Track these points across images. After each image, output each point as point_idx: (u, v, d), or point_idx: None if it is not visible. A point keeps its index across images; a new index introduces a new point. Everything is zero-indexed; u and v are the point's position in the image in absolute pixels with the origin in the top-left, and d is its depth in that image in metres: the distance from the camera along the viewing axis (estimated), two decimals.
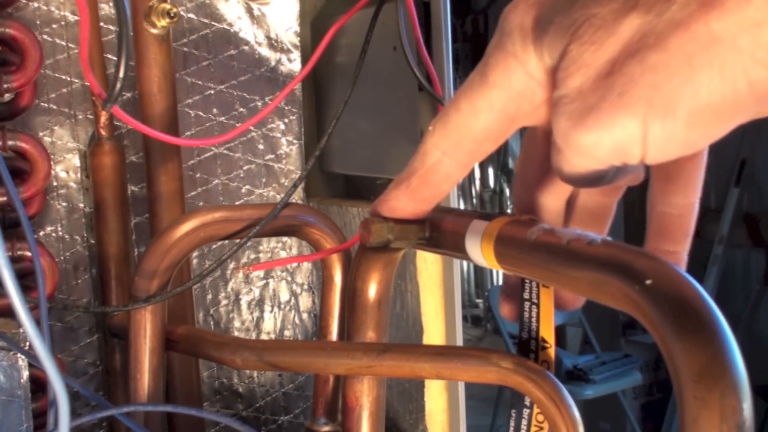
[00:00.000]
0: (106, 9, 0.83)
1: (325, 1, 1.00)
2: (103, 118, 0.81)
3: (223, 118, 0.91)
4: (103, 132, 0.81)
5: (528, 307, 0.45)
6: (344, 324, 0.62)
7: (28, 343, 0.60)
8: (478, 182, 5.02)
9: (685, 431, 0.25)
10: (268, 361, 0.57)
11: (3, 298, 0.67)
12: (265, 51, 0.94)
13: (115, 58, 0.80)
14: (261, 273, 0.95)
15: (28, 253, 0.72)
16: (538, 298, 0.45)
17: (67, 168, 0.83)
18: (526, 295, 0.45)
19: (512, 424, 0.48)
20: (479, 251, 0.40)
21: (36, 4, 0.80)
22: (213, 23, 0.90)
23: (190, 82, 0.89)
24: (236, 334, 0.94)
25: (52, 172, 0.80)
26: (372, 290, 0.51)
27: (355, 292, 0.51)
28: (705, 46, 0.26)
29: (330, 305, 0.69)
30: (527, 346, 0.46)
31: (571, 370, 2.94)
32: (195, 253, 0.89)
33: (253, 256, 0.95)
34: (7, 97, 0.75)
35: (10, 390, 0.57)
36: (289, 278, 0.97)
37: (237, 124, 0.91)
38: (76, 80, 0.83)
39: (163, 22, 0.76)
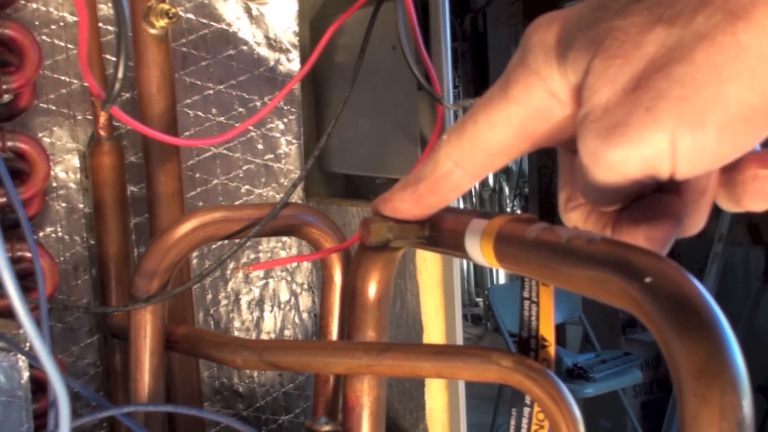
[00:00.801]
0: (105, 9, 0.83)
1: (323, 1, 1.00)
2: (102, 118, 0.81)
3: (222, 118, 0.91)
4: (102, 132, 0.81)
5: (528, 306, 0.45)
6: (344, 323, 0.62)
7: (28, 344, 0.60)
8: None
9: (686, 429, 0.25)
10: (268, 361, 0.57)
11: (3, 299, 0.67)
12: (264, 51, 0.94)
13: (114, 59, 0.79)
14: (261, 273, 0.95)
15: (28, 254, 0.72)
16: (537, 296, 0.45)
17: (66, 169, 0.83)
18: (525, 294, 0.45)
19: (513, 422, 0.48)
20: (479, 250, 0.40)
21: (35, 5, 0.80)
22: (212, 23, 0.90)
23: (189, 82, 0.89)
24: (236, 334, 0.94)
25: (52, 172, 0.80)
26: (372, 289, 0.51)
27: (354, 292, 0.51)
28: (733, 58, 0.26)
29: (330, 305, 0.69)
30: (527, 345, 0.46)
31: (571, 368, 2.94)
32: (195, 253, 0.89)
33: (253, 256, 0.95)
34: (6, 98, 0.75)
35: (10, 391, 0.57)
36: (289, 278, 0.97)
37: (236, 124, 0.91)
38: (75, 81, 0.83)
39: (162, 23, 0.76)
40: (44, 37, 0.81)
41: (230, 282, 0.93)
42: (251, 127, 0.93)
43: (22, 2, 0.79)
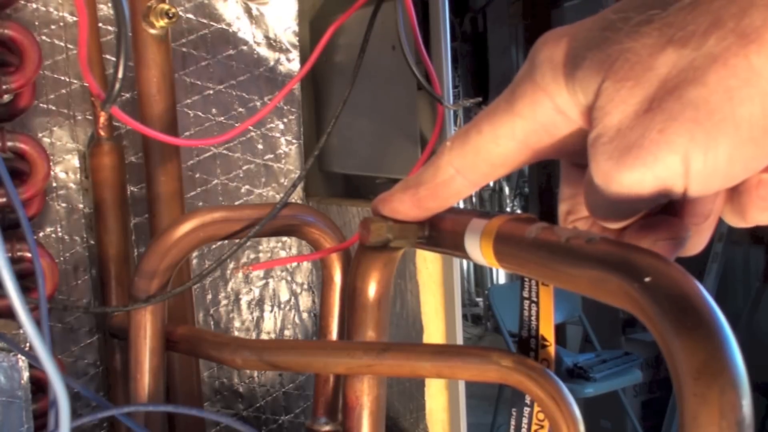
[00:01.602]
0: (105, 10, 0.83)
1: (323, 1, 1.00)
2: (102, 118, 0.81)
3: (222, 118, 0.91)
4: (102, 132, 0.81)
5: (528, 306, 0.45)
6: (344, 323, 0.62)
7: (28, 344, 0.60)
8: None
9: (685, 428, 0.25)
10: (268, 361, 0.57)
11: (3, 299, 0.67)
12: (263, 51, 0.94)
13: (114, 59, 0.80)
14: (261, 273, 0.95)
15: (28, 254, 0.72)
16: (537, 296, 0.45)
17: (66, 169, 0.83)
18: (525, 294, 0.45)
19: (513, 422, 0.48)
20: (478, 250, 0.40)
21: (35, 5, 0.80)
22: (212, 23, 0.90)
23: (189, 82, 0.89)
24: (236, 334, 0.94)
25: (52, 172, 0.80)
26: (372, 289, 0.51)
27: (354, 292, 0.51)
28: (746, 81, 0.26)
29: (330, 305, 0.69)
30: (527, 345, 0.46)
31: (571, 368, 2.94)
32: (195, 253, 0.90)
33: (252, 256, 0.95)
34: (6, 98, 0.75)
35: (10, 391, 0.57)
36: (289, 278, 0.97)
37: (236, 124, 0.91)
38: (75, 81, 0.83)
39: (162, 23, 0.76)
40: (44, 37, 0.81)
41: (230, 282, 0.93)
42: (251, 127, 0.93)
43: (22, 2, 0.79)
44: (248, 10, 0.93)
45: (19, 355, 0.57)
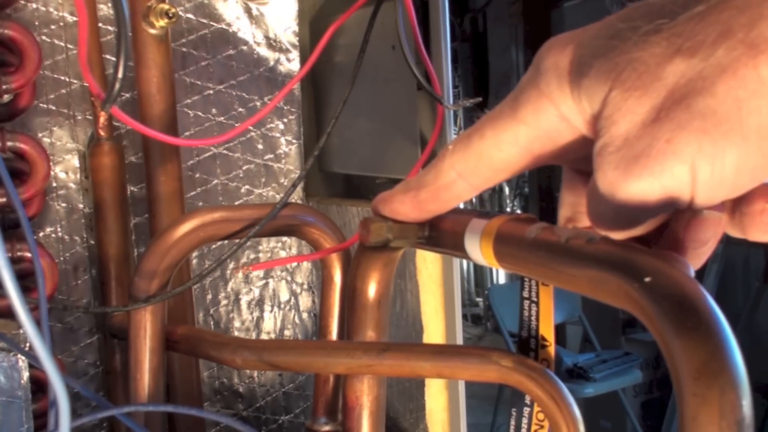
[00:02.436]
0: (105, 10, 0.83)
1: (323, 1, 1.00)
2: (102, 118, 0.81)
3: (222, 118, 0.91)
4: (102, 132, 0.81)
5: (527, 306, 0.45)
6: (344, 323, 0.62)
7: (28, 344, 0.60)
8: None
9: (685, 428, 0.25)
10: (268, 361, 0.57)
11: (3, 299, 0.67)
12: (263, 51, 0.94)
13: (113, 59, 0.80)
14: (261, 273, 0.95)
15: (28, 254, 0.72)
16: (537, 296, 0.45)
17: (66, 169, 0.83)
18: (525, 294, 0.45)
19: (513, 422, 0.48)
20: (478, 250, 0.40)
21: (34, 5, 0.80)
22: (212, 23, 0.90)
23: (189, 82, 0.89)
24: (236, 334, 0.94)
25: (52, 172, 0.80)
26: (372, 289, 0.51)
27: (354, 292, 0.51)
28: (754, 91, 0.26)
29: (330, 305, 0.69)
30: (527, 345, 0.46)
31: (571, 368, 2.94)
32: (195, 253, 0.90)
33: (252, 256, 0.95)
34: (6, 98, 0.75)
35: (10, 391, 0.57)
36: (289, 278, 0.97)
37: (236, 124, 0.91)
38: (75, 81, 0.83)
39: (162, 23, 0.76)
40: (44, 37, 0.81)
41: (230, 282, 0.93)
42: (251, 127, 0.93)
43: (22, 2, 0.79)
44: (248, 10, 0.93)
45: (19, 355, 0.57)
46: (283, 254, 0.96)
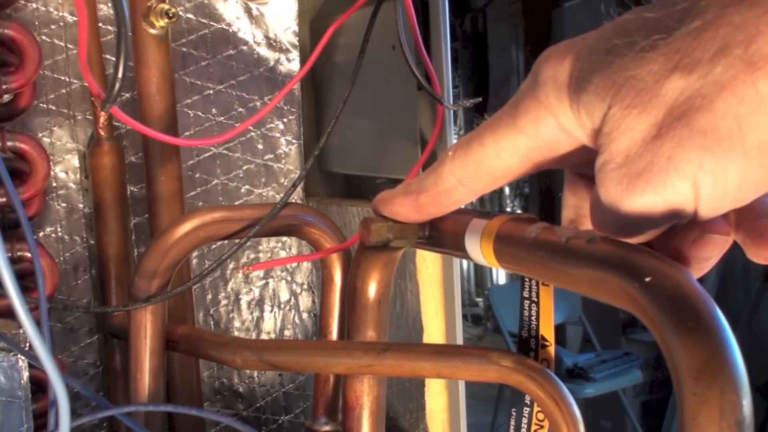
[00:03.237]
0: (105, 9, 0.83)
1: (323, 1, 1.00)
2: (102, 118, 0.81)
3: (222, 118, 0.91)
4: (102, 132, 0.81)
5: (528, 306, 0.45)
6: (344, 323, 0.62)
7: (28, 344, 0.60)
8: None
9: (685, 428, 0.25)
10: (268, 361, 0.57)
11: (3, 299, 0.67)
12: (263, 51, 0.94)
13: (113, 59, 0.80)
14: (261, 273, 0.95)
15: (28, 254, 0.72)
16: (537, 296, 0.45)
17: (66, 169, 0.83)
18: (525, 294, 0.45)
19: (513, 422, 0.48)
20: (479, 250, 0.40)
21: (35, 5, 0.80)
22: (212, 23, 0.90)
23: (189, 82, 0.89)
24: (236, 334, 0.94)
25: (52, 172, 0.80)
26: (372, 289, 0.51)
27: (354, 292, 0.51)
28: (754, 108, 0.26)
29: (330, 305, 0.69)
30: (527, 345, 0.46)
31: (571, 368, 2.94)
32: (195, 253, 0.89)
33: (252, 256, 0.95)
34: (6, 98, 0.75)
35: (10, 391, 0.57)
36: (289, 278, 0.97)
37: (236, 124, 0.91)
38: (75, 81, 0.83)
39: (162, 23, 0.76)
40: (44, 37, 0.81)
41: (230, 282, 0.93)
42: (251, 127, 0.93)
43: (22, 2, 0.79)
44: (248, 10, 0.93)
45: (19, 355, 0.57)
46: (283, 254, 0.96)
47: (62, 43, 0.82)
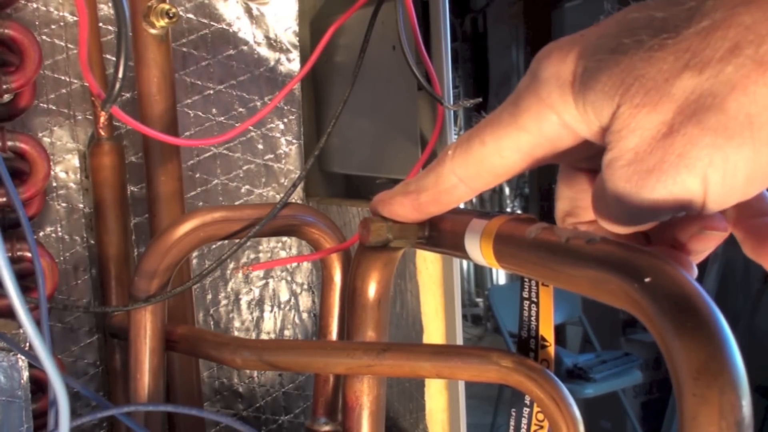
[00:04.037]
0: (105, 9, 0.83)
1: (323, 1, 1.00)
2: (103, 118, 0.81)
3: (223, 118, 0.91)
4: (102, 132, 0.81)
5: (527, 306, 0.45)
6: (344, 323, 0.62)
7: (28, 344, 0.60)
8: None
9: (685, 428, 0.25)
10: (268, 361, 0.57)
11: (3, 299, 0.67)
12: (264, 51, 0.94)
13: (114, 59, 0.80)
14: (261, 273, 0.95)
15: (28, 254, 0.72)
16: (537, 296, 0.45)
17: (66, 168, 0.83)
18: (525, 294, 0.45)
19: (512, 422, 0.48)
20: (478, 250, 0.40)
21: (35, 5, 0.80)
22: (212, 23, 0.90)
23: (190, 82, 0.89)
24: (236, 334, 0.94)
25: (52, 172, 0.80)
26: (372, 290, 0.51)
27: (354, 292, 0.51)
28: (765, 106, 0.27)
29: (330, 305, 0.69)
30: (527, 345, 0.46)
31: (571, 368, 2.94)
32: (195, 253, 0.90)
33: (252, 256, 0.95)
34: (7, 97, 0.75)
35: (10, 391, 0.57)
36: (289, 278, 0.97)
37: (236, 124, 0.91)
38: (76, 81, 0.83)
39: (162, 23, 0.76)
40: (44, 37, 0.81)
41: (230, 282, 0.93)
42: (251, 127, 0.93)
43: (22, 2, 0.79)
44: (248, 10, 0.93)
45: (19, 355, 0.57)
46: (283, 254, 0.96)
47: (62, 43, 0.82)
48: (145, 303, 0.63)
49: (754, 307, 3.01)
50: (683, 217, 0.33)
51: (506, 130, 0.35)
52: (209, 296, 0.92)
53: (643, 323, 0.29)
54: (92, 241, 0.84)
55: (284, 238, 0.96)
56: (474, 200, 4.97)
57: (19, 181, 0.73)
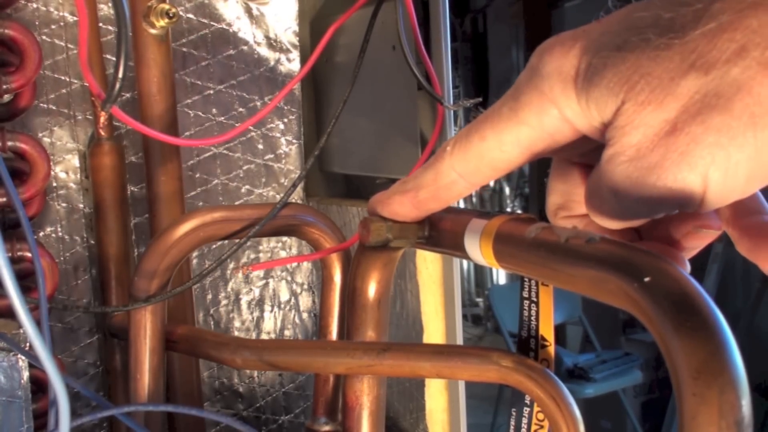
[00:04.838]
0: (105, 9, 0.83)
1: (323, 1, 1.00)
2: (103, 118, 0.81)
3: (223, 118, 0.91)
4: (102, 132, 0.81)
5: (527, 306, 0.45)
6: (344, 323, 0.62)
7: (28, 344, 0.60)
8: None
9: (685, 428, 0.25)
10: (268, 361, 0.57)
11: (3, 299, 0.67)
12: (264, 51, 0.94)
13: (114, 59, 0.80)
14: (261, 273, 0.95)
15: (28, 254, 0.72)
16: (537, 296, 0.45)
17: (66, 168, 0.83)
18: (525, 294, 0.45)
19: (513, 422, 0.48)
20: (478, 250, 0.40)
21: (35, 5, 0.80)
22: (212, 23, 0.90)
23: (190, 82, 0.89)
24: (236, 334, 0.94)
25: (52, 172, 0.80)
26: (372, 289, 0.51)
27: (354, 292, 0.51)
28: None
29: (330, 305, 0.69)
30: (527, 345, 0.46)
31: (571, 368, 2.95)
32: (195, 253, 0.90)
33: (253, 256, 0.95)
34: (7, 98, 0.75)
35: (10, 391, 0.57)
36: (289, 278, 0.97)
37: (236, 124, 0.91)
38: (76, 81, 0.83)
39: (162, 23, 0.76)
40: (44, 37, 0.81)
41: (230, 282, 0.93)
42: (251, 127, 0.93)
43: (22, 2, 0.79)
44: (248, 10, 0.93)
45: (19, 355, 0.57)
46: (283, 254, 0.96)
47: (62, 43, 0.82)
48: (145, 303, 0.63)
49: (754, 307, 3.01)
50: (678, 214, 0.34)
51: (507, 124, 0.35)
52: (209, 296, 0.92)
53: (642, 323, 0.29)
54: (92, 241, 0.84)
55: (284, 238, 0.96)
56: (474, 200, 4.98)
57: (19, 181, 0.73)
